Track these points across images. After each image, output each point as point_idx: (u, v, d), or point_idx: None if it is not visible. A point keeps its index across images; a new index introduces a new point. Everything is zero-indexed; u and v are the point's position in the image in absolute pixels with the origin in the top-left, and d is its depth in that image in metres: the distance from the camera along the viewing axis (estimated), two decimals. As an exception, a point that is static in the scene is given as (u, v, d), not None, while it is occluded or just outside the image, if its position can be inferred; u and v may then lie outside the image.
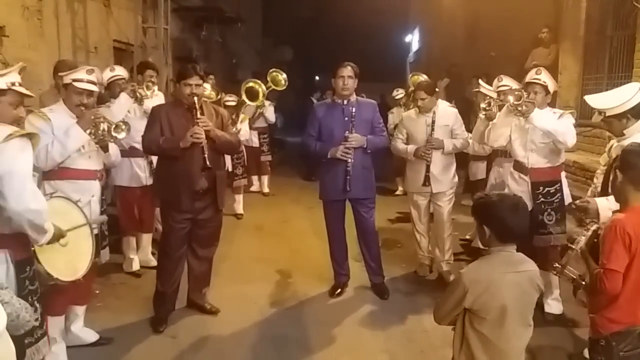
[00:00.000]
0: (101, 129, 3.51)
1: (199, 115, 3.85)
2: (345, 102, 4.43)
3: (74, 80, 3.45)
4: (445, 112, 4.91)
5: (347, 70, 4.36)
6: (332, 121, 4.44)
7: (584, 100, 3.52)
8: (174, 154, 3.83)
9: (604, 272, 2.43)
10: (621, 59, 6.07)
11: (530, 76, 4.10)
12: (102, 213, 3.62)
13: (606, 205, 2.97)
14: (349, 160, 4.33)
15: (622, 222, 2.43)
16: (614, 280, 2.42)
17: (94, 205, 3.53)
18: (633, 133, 3.12)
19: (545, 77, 4.03)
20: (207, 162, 3.84)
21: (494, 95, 5.37)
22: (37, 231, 2.46)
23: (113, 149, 3.79)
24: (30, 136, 2.46)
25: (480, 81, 5.81)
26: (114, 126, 3.57)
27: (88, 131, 3.45)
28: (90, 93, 3.51)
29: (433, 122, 4.80)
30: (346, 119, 4.38)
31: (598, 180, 3.57)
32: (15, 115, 2.60)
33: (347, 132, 4.34)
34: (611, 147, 3.36)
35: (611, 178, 3.03)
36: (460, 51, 11.94)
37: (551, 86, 4.07)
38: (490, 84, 5.96)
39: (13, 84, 2.58)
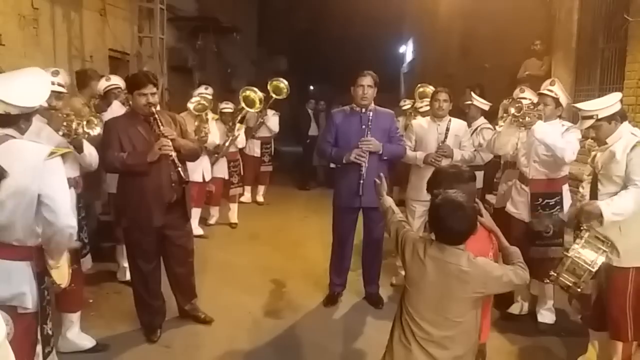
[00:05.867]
0: (74, 127, 3.33)
1: (161, 126, 3.66)
2: (364, 110, 4.42)
3: None
4: (457, 122, 4.92)
5: (368, 80, 4.36)
6: (349, 128, 4.43)
7: (574, 112, 3.56)
8: (141, 169, 3.62)
9: None
10: (612, 70, 6.13)
11: (544, 87, 4.11)
12: (80, 222, 3.41)
13: (608, 207, 3.05)
14: (363, 164, 4.31)
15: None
16: None
17: None
18: (615, 140, 3.19)
19: (557, 90, 4.04)
20: (183, 176, 3.70)
21: (486, 107, 5.51)
22: (70, 245, 2.49)
23: (89, 148, 3.54)
24: (65, 154, 2.47)
25: (472, 93, 5.87)
26: (85, 122, 3.38)
27: (61, 132, 3.24)
28: (58, 95, 3.40)
29: (447, 129, 4.80)
30: (363, 126, 4.36)
31: (584, 190, 3.61)
32: None
33: (362, 136, 4.32)
34: (594, 157, 3.41)
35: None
36: (453, 62, 12.02)
37: (563, 99, 4.06)
38: (483, 96, 6.03)
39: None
